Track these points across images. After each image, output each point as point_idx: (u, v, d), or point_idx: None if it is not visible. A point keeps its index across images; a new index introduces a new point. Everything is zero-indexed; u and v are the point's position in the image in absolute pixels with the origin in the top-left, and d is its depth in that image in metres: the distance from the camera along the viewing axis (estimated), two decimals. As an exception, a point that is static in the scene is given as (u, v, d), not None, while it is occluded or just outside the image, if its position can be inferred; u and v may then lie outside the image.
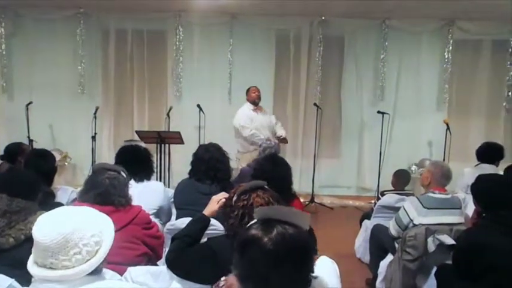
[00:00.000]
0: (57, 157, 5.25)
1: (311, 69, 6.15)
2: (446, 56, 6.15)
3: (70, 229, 1.22)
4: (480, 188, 2.29)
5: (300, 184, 5.81)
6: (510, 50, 6.14)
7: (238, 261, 1.10)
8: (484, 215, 2.24)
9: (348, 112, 6.23)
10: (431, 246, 2.64)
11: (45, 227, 1.22)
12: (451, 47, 6.12)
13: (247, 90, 5.21)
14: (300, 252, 1.10)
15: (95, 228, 1.27)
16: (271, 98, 6.13)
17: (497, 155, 3.92)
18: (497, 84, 6.26)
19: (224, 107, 6.12)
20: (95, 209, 1.34)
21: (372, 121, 5.95)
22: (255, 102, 5.00)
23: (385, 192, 3.73)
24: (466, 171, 3.89)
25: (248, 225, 1.16)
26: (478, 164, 3.95)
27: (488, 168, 3.71)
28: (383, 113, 5.29)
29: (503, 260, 2.02)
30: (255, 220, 1.16)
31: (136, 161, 2.74)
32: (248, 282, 1.08)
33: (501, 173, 3.43)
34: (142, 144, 3.81)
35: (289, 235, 1.09)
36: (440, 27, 6.12)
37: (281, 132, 5.21)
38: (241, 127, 4.94)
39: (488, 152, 3.93)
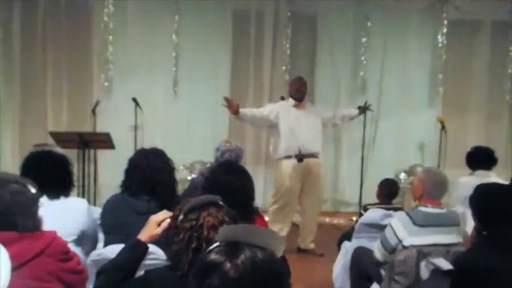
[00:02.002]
0: None
1: (277, 56, 6.20)
2: (440, 40, 6.37)
3: None
4: (478, 199, 2.36)
5: (264, 197, 5.84)
6: (512, 33, 6.50)
7: None
8: (484, 232, 2.30)
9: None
10: (424, 273, 2.68)
11: None
12: (444, 29, 6.36)
13: (291, 82, 5.14)
14: (272, 282, 1.10)
15: None
16: (228, 91, 6.14)
17: (490, 160, 4.14)
18: (499, 75, 6.54)
19: (168, 101, 6.10)
20: None
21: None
22: (297, 98, 4.87)
23: (368, 207, 3.78)
24: (462, 181, 4.05)
25: (209, 248, 1.16)
26: (472, 172, 4.15)
27: (486, 175, 3.89)
28: (365, 109, 5.32)
29: (508, 285, 2.09)
30: (217, 243, 1.16)
31: (49, 172, 2.65)
32: None
33: (500, 180, 3.61)
34: (59, 150, 3.76)
35: (260, 261, 1.09)
36: (431, 5, 6.34)
37: (352, 111, 5.13)
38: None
39: (480, 157, 4.15)
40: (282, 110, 4.86)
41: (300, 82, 4.98)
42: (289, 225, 4.81)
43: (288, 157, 4.75)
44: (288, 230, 4.77)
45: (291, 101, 4.94)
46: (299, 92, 4.89)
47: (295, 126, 4.77)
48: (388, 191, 3.95)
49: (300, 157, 4.70)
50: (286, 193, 4.74)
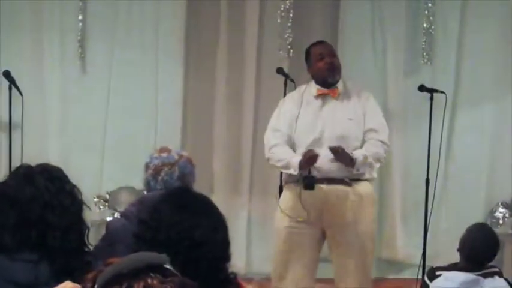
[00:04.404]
0: None
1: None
2: None
3: None
4: None
5: (247, 255, 6.14)
6: None
7: None
8: None
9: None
10: None
11: None
12: None
13: (307, 52, 5.25)
14: None
15: None
16: (180, 58, 6.42)
17: None
18: None
19: (69, 76, 6.34)
20: None
21: (408, 109, 6.24)
22: (327, 81, 5.07)
23: (438, 272, 3.95)
24: None
25: None
26: None
27: None
28: (432, 91, 5.44)
29: None
30: None
31: None
32: None
33: None
34: None
35: None
36: None
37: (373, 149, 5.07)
38: (266, 137, 5.20)
39: None
40: (287, 108, 5.13)
41: (326, 49, 5.17)
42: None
43: (293, 182, 4.99)
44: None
45: (313, 87, 5.11)
46: (329, 68, 5.02)
47: (312, 128, 5.01)
48: (481, 249, 4.02)
49: (308, 181, 4.82)
50: (286, 247, 4.96)
